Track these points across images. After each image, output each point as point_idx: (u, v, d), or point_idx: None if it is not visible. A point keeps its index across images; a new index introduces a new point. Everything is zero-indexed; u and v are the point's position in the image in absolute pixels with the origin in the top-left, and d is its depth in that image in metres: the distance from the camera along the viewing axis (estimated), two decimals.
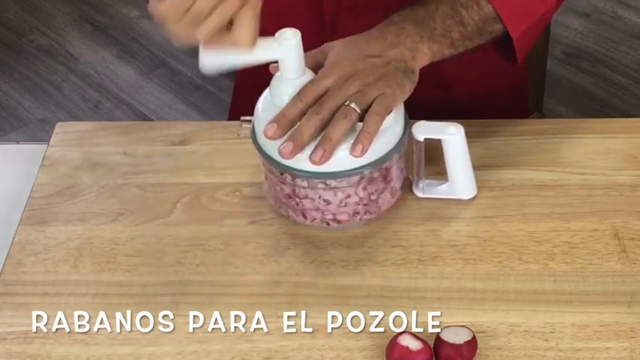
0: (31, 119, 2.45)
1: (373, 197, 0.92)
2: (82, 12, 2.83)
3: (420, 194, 0.97)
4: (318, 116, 0.87)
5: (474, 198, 0.98)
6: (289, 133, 0.87)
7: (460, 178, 0.96)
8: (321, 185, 0.90)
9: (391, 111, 0.89)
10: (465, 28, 0.95)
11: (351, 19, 1.11)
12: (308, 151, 0.87)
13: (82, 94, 2.52)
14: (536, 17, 1.00)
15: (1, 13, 2.84)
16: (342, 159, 0.87)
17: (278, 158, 0.88)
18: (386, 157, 0.90)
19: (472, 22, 0.96)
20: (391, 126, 0.89)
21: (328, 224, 0.93)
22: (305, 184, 0.90)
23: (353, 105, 0.87)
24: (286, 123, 0.87)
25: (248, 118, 0.95)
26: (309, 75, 0.90)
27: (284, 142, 0.86)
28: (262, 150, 0.91)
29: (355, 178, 0.89)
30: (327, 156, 0.86)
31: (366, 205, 0.92)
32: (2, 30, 2.77)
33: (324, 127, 0.87)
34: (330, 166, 0.87)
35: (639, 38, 2.61)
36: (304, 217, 0.93)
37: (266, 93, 0.92)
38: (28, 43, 2.72)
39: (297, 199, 0.91)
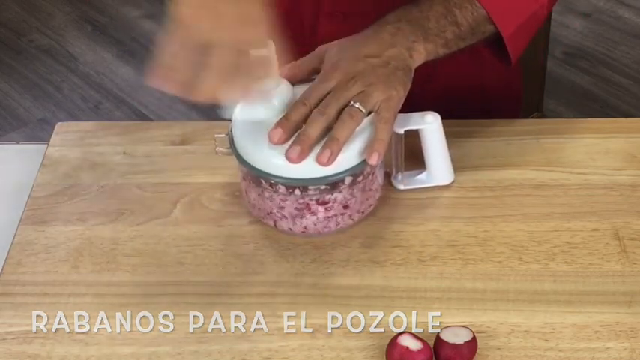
0: (31, 119, 2.45)
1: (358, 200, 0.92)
2: (82, 12, 2.83)
3: (400, 187, 0.97)
4: (323, 117, 0.86)
5: (474, 198, 0.98)
6: (295, 137, 0.87)
7: (439, 165, 0.97)
8: (302, 191, 0.89)
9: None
10: (458, 28, 0.95)
11: (329, 25, 1.11)
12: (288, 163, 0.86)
13: (82, 94, 2.52)
14: (528, 15, 1.00)
15: (1, 13, 2.84)
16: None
17: (260, 166, 0.88)
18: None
19: (465, 23, 0.96)
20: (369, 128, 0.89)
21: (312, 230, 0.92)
22: (284, 190, 0.89)
23: (358, 105, 0.87)
24: (291, 127, 0.87)
25: (221, 135, 0.94)
26: (285, 85, 0.89)
27: (290, 147, 0.86)
28: (244, 160, 0.90)
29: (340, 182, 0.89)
30: (334, 157, 0.86)
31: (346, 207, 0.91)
32: (2, 30, 2.77)
33: (329, 128, 0.87)
34: (314, 172, 0.87)
35: (639, 38, 2.61)
36: (281, 222, 0.92)
37: (240, 105, 0.91)
38: (28, 43, 2.72)
39: (277, 207, 0.91)
